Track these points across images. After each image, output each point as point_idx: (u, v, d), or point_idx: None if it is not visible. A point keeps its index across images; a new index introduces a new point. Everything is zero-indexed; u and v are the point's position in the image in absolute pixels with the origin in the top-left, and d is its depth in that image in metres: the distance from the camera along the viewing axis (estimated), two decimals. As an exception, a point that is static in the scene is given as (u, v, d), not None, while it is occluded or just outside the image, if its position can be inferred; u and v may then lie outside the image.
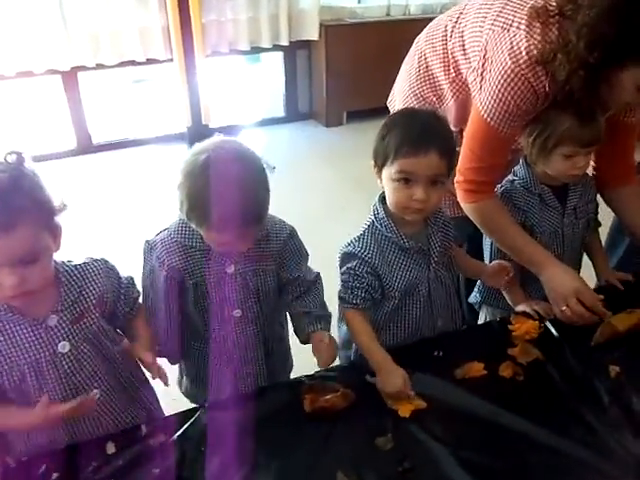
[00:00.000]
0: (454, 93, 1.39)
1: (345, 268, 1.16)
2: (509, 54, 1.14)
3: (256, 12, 3.80)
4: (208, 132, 4.12)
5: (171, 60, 3.65)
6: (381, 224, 1.16)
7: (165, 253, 1.09)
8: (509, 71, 1.14)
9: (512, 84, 1.15)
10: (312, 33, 3.95)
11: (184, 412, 1.06)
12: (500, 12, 1.20)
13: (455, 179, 1.33)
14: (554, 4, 1.12)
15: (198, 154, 0.96)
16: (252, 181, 0.96)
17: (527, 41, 1.12)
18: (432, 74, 1.43)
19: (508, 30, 1.17)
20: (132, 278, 1.14)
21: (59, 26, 3.32)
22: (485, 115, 1.21)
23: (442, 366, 1.16)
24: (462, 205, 1.34)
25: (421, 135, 1.05)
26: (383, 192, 1.16)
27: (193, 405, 1.17)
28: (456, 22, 1.34)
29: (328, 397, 1.06)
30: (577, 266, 1.50)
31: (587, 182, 1.40)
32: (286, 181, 3.14)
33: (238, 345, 1.18)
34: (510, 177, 1.38)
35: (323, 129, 4.23)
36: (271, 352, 1.23)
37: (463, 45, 1.31)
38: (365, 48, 4.06)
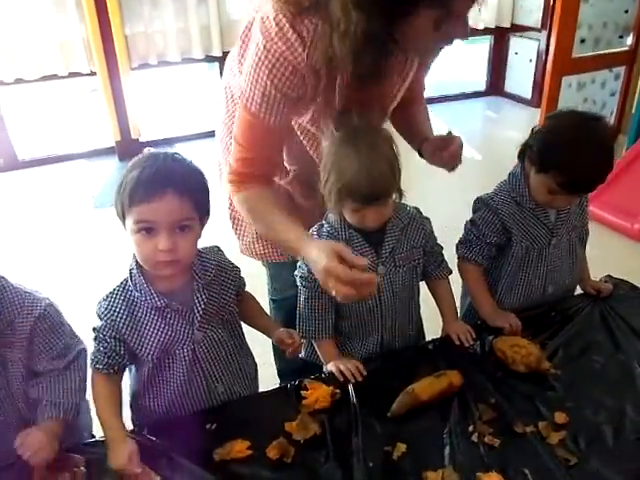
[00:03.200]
0: None
1: (94, 329, 1.05)
2: (260, 30, 0.99)
3: (185, 23, 3.67)
4: (138, 146, 4.01)
5: (95, 74, 3.53)
6: (133, 282, 1.03)
7: None
8: (261, 47, 0.99)
9: (266, 62, 0.99)
10: (245, 43, 3.81)
11: None
12: None
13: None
14: None
15: None
16: None
17: (275, 10, 0.97)
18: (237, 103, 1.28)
19: (261, 9, 1.02)
20: None
21: (-27, 41, 3.21)
22: (244, 101, 1.06)
23: (205, 445, 1.02)
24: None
25: (154, 178, 0.93)
26: None
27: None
28: (246, 35, 1.18)
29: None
30: (410, 321, 1.33)
31: (410, 225, 1.24)
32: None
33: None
34: (322, 221, 1.24)
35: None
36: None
37: None
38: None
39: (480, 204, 1.33)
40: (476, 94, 4.99)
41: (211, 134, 4.81)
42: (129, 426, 1.13)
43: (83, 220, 3.09)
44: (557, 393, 1.13)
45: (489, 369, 1.19)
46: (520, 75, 4.67)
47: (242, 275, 1.18)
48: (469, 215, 1.38)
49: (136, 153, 1.03)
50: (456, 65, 6.31)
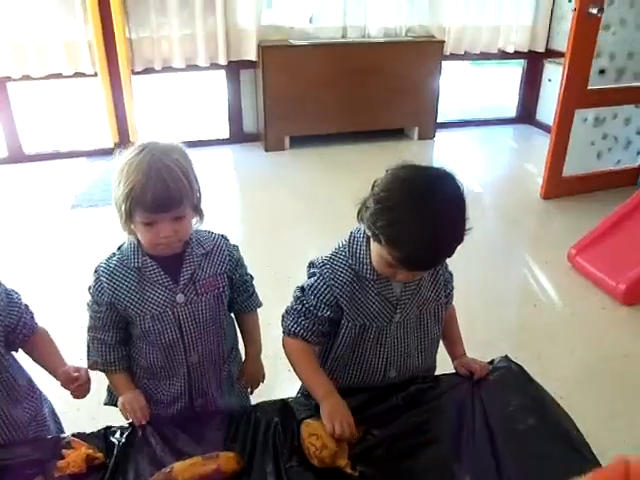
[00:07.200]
0: None
1: None
2: None
3: (192, 29, 3.65)
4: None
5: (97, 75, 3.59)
6: None
7: None
8: None
9: None
10: (250, 53, 3.74)
11: None
12: None
13: None
14: None
15: None
16: None
17: None
18: None
19: None
20: None
21: (-16, 37, 3.35)
22: None
23: None
24: None
25: None
26: None
27: None
28: None
29: None
30: (220, 358, 1.18)
31: (214, 251, 1.11)
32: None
33: None
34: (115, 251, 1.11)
35: (263, 153, 4.01)
36: None
37: None
38: (313, 72, 3.80)
39: (313, 269, 1.08)
40: (505, 121, 4.65)
41: (211, 142, 4.73)
42: None
43: (61, 219, 3.14)
44: (346, 502, 0.92)
45: (284, 456, 1.00)
46: (552, 104, 4.29)
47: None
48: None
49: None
50: (492, 88, 5.94)
